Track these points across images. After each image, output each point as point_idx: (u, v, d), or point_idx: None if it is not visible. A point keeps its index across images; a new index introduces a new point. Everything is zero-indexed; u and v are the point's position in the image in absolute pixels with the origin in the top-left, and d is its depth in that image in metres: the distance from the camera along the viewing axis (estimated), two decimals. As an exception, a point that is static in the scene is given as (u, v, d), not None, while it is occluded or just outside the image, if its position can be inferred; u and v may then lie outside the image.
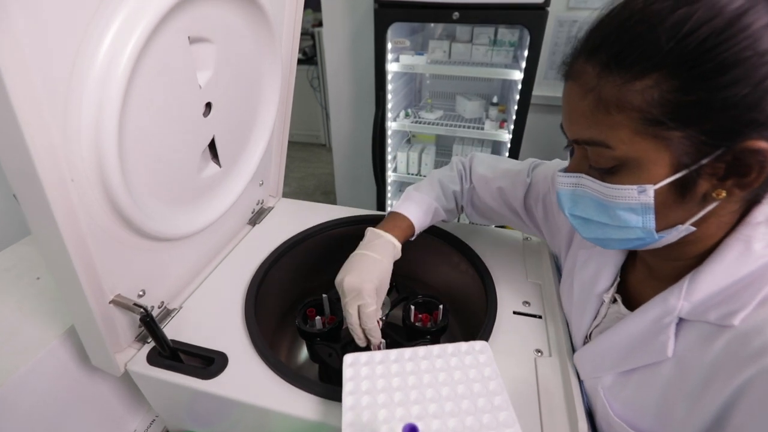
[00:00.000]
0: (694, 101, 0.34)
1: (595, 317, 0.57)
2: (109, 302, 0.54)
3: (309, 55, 3.45)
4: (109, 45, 0.42)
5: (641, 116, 0.37)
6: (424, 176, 1.95)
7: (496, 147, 1.92)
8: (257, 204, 0.92)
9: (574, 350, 0.60)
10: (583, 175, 0.44)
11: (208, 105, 0.62)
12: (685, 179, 0.38)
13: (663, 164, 0.38)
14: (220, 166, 0.70)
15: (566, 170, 0.47)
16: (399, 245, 0.67)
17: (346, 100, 2.08)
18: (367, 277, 0.60)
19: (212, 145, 0.67)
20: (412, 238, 0.72)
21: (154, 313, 0.65)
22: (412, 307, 0.73)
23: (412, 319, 0.73)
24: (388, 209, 2.05)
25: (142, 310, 0.54)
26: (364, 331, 0.60)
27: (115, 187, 0.47)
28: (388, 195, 2.02)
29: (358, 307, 0.59)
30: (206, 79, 0.59)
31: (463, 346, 0.54)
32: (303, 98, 3.51)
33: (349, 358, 0.52)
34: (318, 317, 0.72)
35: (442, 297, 0.75)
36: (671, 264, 0.48)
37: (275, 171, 0.95)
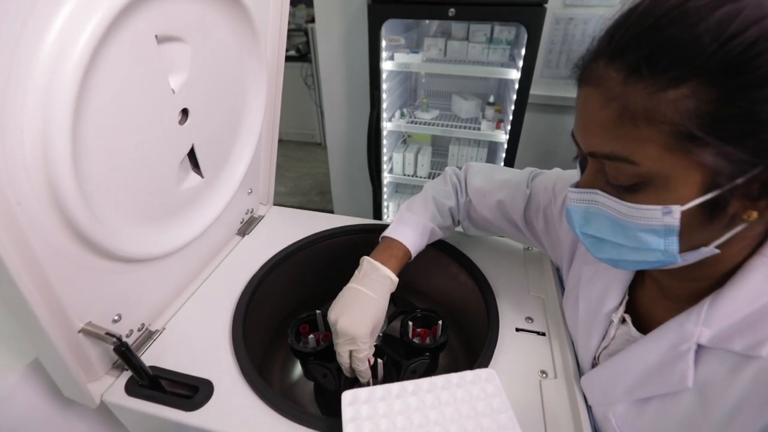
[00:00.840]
0: (736, 114, 0.30)
1: (603, 338, 0.53)
2: (78, 331, 0.50)
3: (303, 52, 3.39)
4: (53, 45, 0.37)
5: (673, 130, 0.32)
6: (421, 177, 1.93)
7: (492, 147, 1.88)
8: (246, 213, 0.88)
9: (580, 372, 0.56)
10: (598, 192, 0.40)
11: (185, 111, 0.57)
12: (715, 200, 0.34)
13: (692, 183, 0.34)
14: (202, 176, 0.66)
15: (578, 185, 0.42)
16: (396, 279, 0.64)
17: (341, 99, 2.04)
18: (361, 320, 0.57)
19: (192, 154, 0.63)
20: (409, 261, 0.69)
21: (134, 337, 0.61)
22: (410, 323, 0.70)
23: (410, 335, 0.69)
24: (385, 211, 2.04)
25: (115, 339, 0.49)
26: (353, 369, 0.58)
27: (74, 209, 0.42)
28: (385, 197, 1.99)
29: (350, 350, 0.57)
30: (180, 83, 0.54)
31: (468, 375, 0.51)
32: (297, 96, 3.45)
33: (348, 396, 0.49)
34: (312, 335, 0.69)
35: (440, 308, 0.71)
36: (686, 284, 0.44)
37: (265, 178, 0.91)
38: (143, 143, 0.51)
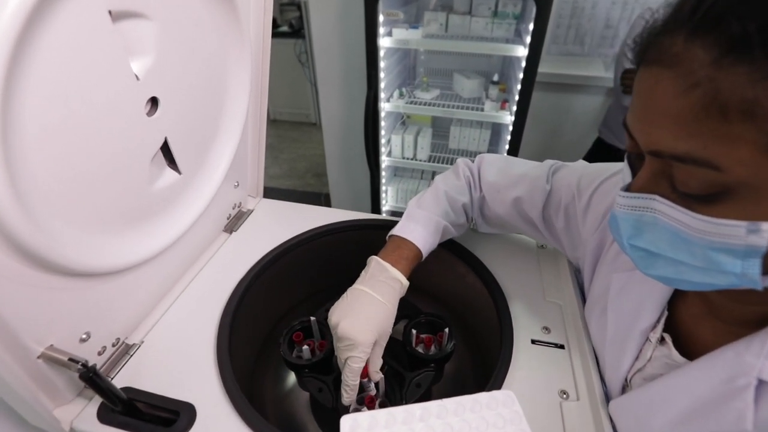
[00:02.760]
0: None
1: (637, 358, 0.47)
2: (38, 357, 0.43)
3: (296, 28, 3.23)
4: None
5: None
6: (420, 161, 1.85)
7: (496, 129, 1.79)
8: (233, 208, 0.80)
9: (606, 395, 0.51)
10: (657, 198, 0.32)
11: (154, 101, 0.49)
12: None
13: None
14: (179, 172, 0.58)
15: (631, 188, 0.35)
16: (407, 283, 0.58)
17: (336, 78, 1.93)
18: (366, 326, 0.51)
19: (167, 149, 0.55)
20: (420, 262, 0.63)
21: (108, 353, 0.54)
22: (414, 331, 0.64)
23: (413, 344, 0.64)
24: (383, 196, 1.96)
25: (80, 366, 0.43)
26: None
27: (7, 218, 0.35)
28: (383, 181, 1.91)
29: (347, 358, 0.51)
30: (146, 68, 0.46)
31: (483, 398, 0.45)
32: (291, 74, 3.31)
33: (347, 422, 0.43)
34: (306, 346, 0.63)
35: (446, 311, 0.66)
36: (745, 307, 0.38)
37: (253, 168, 0.83)
38: (102, 139, 0.43)
